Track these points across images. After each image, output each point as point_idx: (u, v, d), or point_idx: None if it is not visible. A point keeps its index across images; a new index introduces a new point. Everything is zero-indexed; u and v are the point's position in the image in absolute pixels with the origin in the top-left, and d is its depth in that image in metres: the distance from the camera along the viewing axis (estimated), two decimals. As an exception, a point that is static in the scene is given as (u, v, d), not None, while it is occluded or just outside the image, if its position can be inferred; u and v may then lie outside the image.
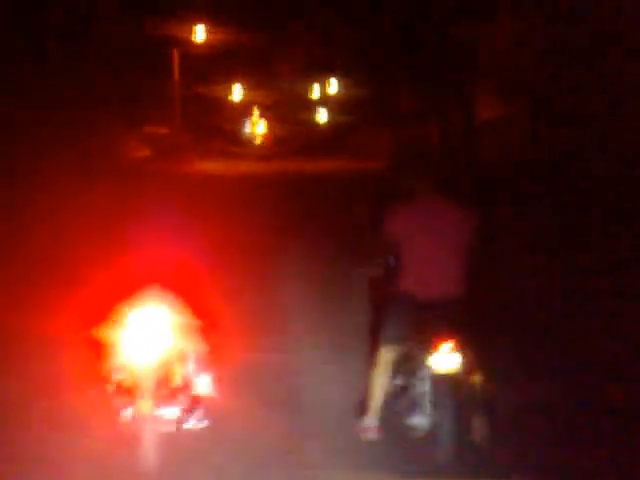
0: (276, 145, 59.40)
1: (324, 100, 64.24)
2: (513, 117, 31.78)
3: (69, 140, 29.25)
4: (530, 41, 28.96)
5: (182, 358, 5.73)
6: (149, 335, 5.41)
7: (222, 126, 57.06)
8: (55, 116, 29.45)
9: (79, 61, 32.99)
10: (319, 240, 15.04)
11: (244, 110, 64.24)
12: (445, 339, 5.51)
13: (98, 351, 5.66)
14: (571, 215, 15.75)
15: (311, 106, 65.69)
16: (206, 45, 46.42)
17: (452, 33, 35.48)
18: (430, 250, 5.86)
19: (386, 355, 5.97)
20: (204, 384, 5.91)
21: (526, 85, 29.08)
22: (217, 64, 50.24)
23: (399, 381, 6.04)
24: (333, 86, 60.82)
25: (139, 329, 5.42)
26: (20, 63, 28.72)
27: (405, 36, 38.84)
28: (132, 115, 36.90)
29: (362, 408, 6.11)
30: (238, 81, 58.70)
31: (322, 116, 65.90)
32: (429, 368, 5.56)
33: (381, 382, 5.97)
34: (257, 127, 65.58)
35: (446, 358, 5.48)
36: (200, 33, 44.71)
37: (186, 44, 43.54)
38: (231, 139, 57.20)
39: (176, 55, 40.27)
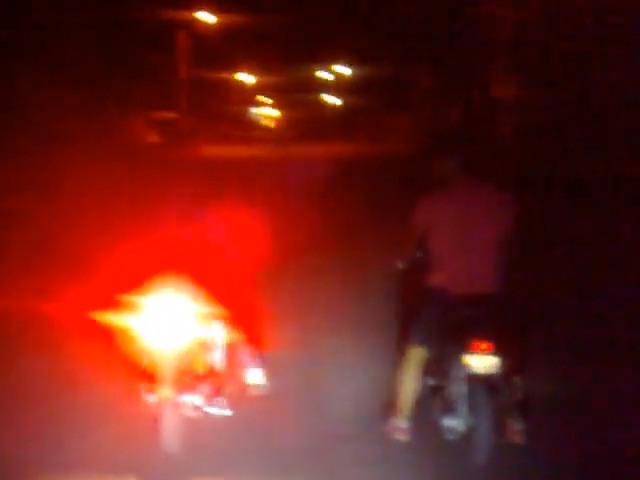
0: (287, 128, 58.62)
1: (337, 82, 63.30)
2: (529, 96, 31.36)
3: (79, 126, 28.54)
4: (547, 18, 28.87)
5: (206, 347, 5.65)
6: (170, 321, 5.27)
7: (231, 110, 56.23)
8: (64, 103, 28.77)
9: (87, 46, 32.20)
10: (345, 230, 14.34)
11: (253, 93, 63.52)
12: (482, 338, 5.09)
13: (121, 336, 5.67)
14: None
15: (323, 88, 64.78)
16: (214, 28, 45.36)
17: (469, 12, 35.29)
18: (464, 241, 5.35)
19: (416, 354, 5.52)
20: (255, 377, 6.07)
21: (541, 63, 29.15)
22: (225, 47, 49.40)
23: (431, 381, 5.64)
24: (346, 68, 59.74)
25: (161, 315, 5.28)
26: (30, 49, 28.08)
27: (422, 15, 38.68)
28: (140, 100, 36.10)
29: (390, 408, 5.67)
30: (247, 64, 57.79)
31: (335, 99, 65.03)
32: (465, 369, 5.14)
33: (410, 382, 5.54)
34: (267, 111, 64.72)
35: (483, 358, 5.07)
36: (207, 15, 43.46)
37: (193, 27, 42.51)
38: (241, 123, 56.40)
39: (183, 38, 39.12)
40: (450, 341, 5.29)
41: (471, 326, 5.16)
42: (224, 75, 54.86)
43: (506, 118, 33.99)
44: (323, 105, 65.79)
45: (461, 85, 39.01)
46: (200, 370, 5.58)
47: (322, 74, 64.04)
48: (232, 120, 54.66)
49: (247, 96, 62.70)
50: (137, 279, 5.36)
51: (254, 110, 63.72)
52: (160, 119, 35.62)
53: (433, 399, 5.60)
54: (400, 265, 5.73)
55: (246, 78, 61.29)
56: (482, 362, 5.04)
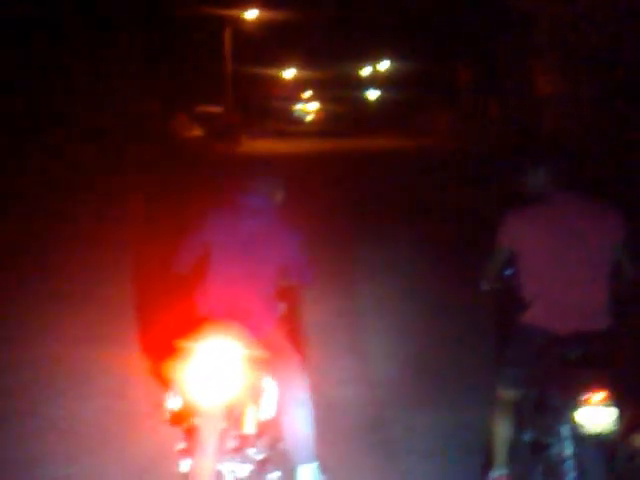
0: (328, 123, 57.80)
1: (375, 78, 62.28)
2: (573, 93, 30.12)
3: (123, 121, 27.95)
4: (591, 15, 27.70)
5: (255, 398, 4.22)
6: (214, 372, 3.86)
7: (274, 105, 55.46)
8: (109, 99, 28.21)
9: (134, 42, 31.63)
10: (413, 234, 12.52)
11: (296, 89, 62.78)
12: (596, 388, 3.83)
13: (164, 387, 4.23)
14: None
15: (363, 84, 63.82)
16: (259, 24, 44.47)
17: (512, 6, 34.06)
18: (569, 267, 4.11)
19: (504, 397, 4.42)
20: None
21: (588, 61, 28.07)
22: (270, 43, 48.62)
23: (529, 437, 4.36)
24: (384, 64, 58.70)
25: (203, 364, 3.87)
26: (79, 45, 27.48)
27: (464, 10, 37.83)
28: (185, 95, 35.45)
29: (489, 459, 4.59)
30: (290, 60, 57.03)
31: (374, 95, 63.96)
32: (574, 425, 3.86)
33: (502, 427, 4.46)
34: (309, 106, 63.88)
35: (598, 413, 3.82)
36: (253, 11, 42.56)
37: (238, 23, 41.65)
38: (283, 118, 55.67)
39: (228, 34, 38.26)
40: (554, 389, 4.07)
41: (581, 372, 3.94)
42: (268, 71, 54.13)
43: (549, 115, 32.72)
44: (365, 100, 64.67)
45: (501, 81, 37.89)
46: (249, 429, 4.18)
47: (364, 69, 63.11)
48: (276, 115, 53.96)
49: (290, 91, 61.89)
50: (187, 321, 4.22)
51: (297, 105, 62.80)
52: (205, 113, 34.86)
53: (532, 459, 4.36)
54: (485, 286, 4.54)
55: (290, 74, 60.60)
56: (597, 417, 3.85)
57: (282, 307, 4.54)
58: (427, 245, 11.47)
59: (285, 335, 4.44)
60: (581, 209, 4.14)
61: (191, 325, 4.09)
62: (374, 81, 63.26)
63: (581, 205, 4.15)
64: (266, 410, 4.29)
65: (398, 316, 7.90)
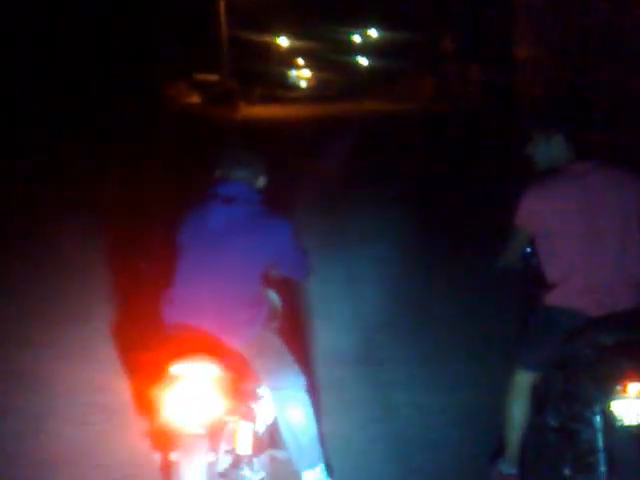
0: (321, 89, 57.17)
1: (365, 45, 61.53)
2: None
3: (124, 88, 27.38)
4: None
5: (247, 414, 3.56)
6: (190, 396, 3.18)
7: (269, 72, 54.76)
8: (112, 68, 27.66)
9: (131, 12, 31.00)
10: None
11: (290, 56, 62.03)
12: (633, 378, 3.35)
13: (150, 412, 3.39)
14: None
15: (353, 51, 63.06)
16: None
17: None
18: (595, 244, 3.60)
19: (521, 379, 3.87)
20: None
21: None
22: (263, 12, 47.78)
23: (555, 422, 3.85)
24: (373, 32, 57.96)
25: (178, 389, 3.19)
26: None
27: None
28: (182, 63, 34.86)
29: (499, 445, 4.05)
30: (283, 28, 56.21)
31: (363, 61, 63.22)
32: (608, 416, 3.41)
33: (517, 412, 3.89)
34: (303, 72, 63.13)
35: (635, 405, 3.35)
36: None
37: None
38: (278, 84, 55.00)
39: (223, 3, 37.45)
40: (586, 376, 3.59)
41: (618, 360, 3.44)
42: (263, 39, 53.32)
43: (529, 79, 32.32)
44: (355, 67, 63.95)
45: (483, 48, 37.43)
46: (243, 450, 3.54)
47: (354, 37, 62.40)
48: (271, 82, 53.35)
49: (284, 59, 61.13)
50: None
51: (292, 72, 62.05)
52: (202, 81, 34.29)
53: (557, 445, 3.88)
54: (500, 264, 3.98)
55: (284, 42, 59.83)
56: (634, 410, 3.38)
57: (274, 298, 3.97)
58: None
59: (277, 330, 3.85)
60: (602, 178, 3.63)
61: (161, 340, 3.48)
62: (364, 49, 62.55)
63: (601, 174, 3.65)
64: (263, 423, 3.77)
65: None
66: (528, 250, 3.89)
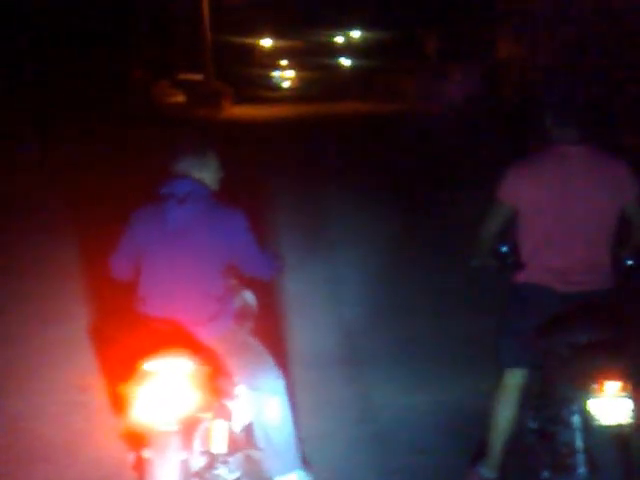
0: (305, 89, 56.98)
1: (348, 46, 61.51)
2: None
3: (106, 87, 27.01)
4: None
5: (222, 412, 3.46)
6: (162, 392, 3.08)
7: (253, 73, 54.57)
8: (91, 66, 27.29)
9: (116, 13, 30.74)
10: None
11: (273, 57, 61.90)
12: (609, 376, 3.22)
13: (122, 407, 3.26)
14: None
15: (336, 52, 62.99)
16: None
17: None
18: (569, 228, 3.58)
19: (510, 380, 3.76)
20: None
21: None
22: (246, 13, 47.67)
23: (533, 423, 3.77)
24: (356, 33, 57.97)
25: (150, 385, 3.10)
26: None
27: None
28: (166, 62, 34.61)
29: (480, 447, 3.95)
30: (267, 29, 56.11)
31: (347, 62, 63.16)
32: (586, 416, 3.27)
33: (502, 419, 3.77)
34: (286, 73, 62.95)
35: (612, 404, 3.20)
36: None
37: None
38: (262, 85, 54.82)
39: (206, 3, 37.21)
40: (561, 371, 3.44)
41: (594, 358, 3.32)
42: (246, 39, 53.16)
43: (511, 79, 32.38)
44: (338, 67, 63.84)
45: (465, 48, 37.43)
46: (218, 448, 3.45)
47: (336, 38, 62.40)
48: (255, 82, 53.20)
49: (268, 60, 60.99)
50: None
51: (275, 73, 61.86)
52: (186, 81, 34.05)
53: (536, 449, 3.75)
54: (476, 263, 3.86)
55: (267, 43, 59.71)
56: (611, 409, 3.25)
57: (249, 298, 3.90)
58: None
59: (252, 330, 3.78)
60: (590, 167, 3.59)
61: (135, 337, 3.39)
62: (347, 49, 62.55)
63: (591, 162, 3.60)
64: (239, 422, 3.65)
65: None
66: (504, 249, 3.75)
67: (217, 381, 3.40)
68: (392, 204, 11.06)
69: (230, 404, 3.58)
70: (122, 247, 3.66)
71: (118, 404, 3.32)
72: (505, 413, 3.78)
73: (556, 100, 3.62)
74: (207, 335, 3.49)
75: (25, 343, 5.93)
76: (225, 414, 3.51)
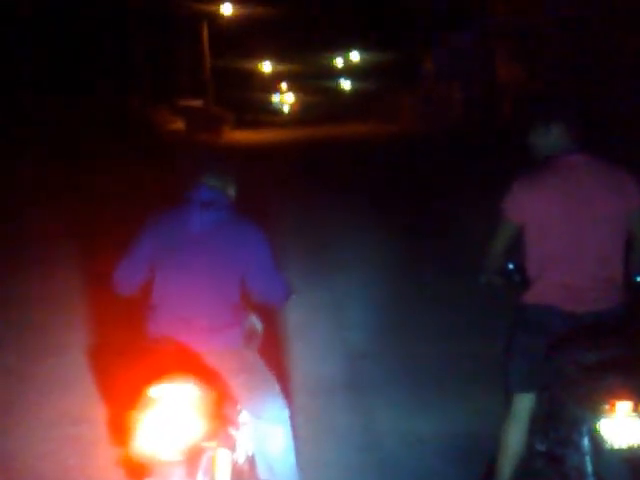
0: (305, 113, 57.27)
1: (347, 69, 61.77)
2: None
3: (105, 116, 27.02)
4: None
5: (227, 441, 3.32)
6: (167, 420, 2.94)
7: (253, 97, 54.82)
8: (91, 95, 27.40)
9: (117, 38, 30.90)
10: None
11: (273, 81, 62.18)
12: (620, 396, 3.05)
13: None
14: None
15: (336, 75, 63.33)
16: (236, 19, 43.71)
17: None
18: (577, 241, 3.43)
19: (518, 405, 3.61)
20: None
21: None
22: (245, 38, 47.95)
23: (541, 446, 3.60)
24: (355, 55, 58.21)
25: (154, 412, 2.96)
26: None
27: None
28: (165, 89, 34.74)
29: (488, 473, 3.80)
30: (266, 54, 56.40)
31: (346, 84, 63.45)
32: (596, 438, 3.11)
33: (512, 443, 3.62)
34: (286, 97, 63.26)
35: (623, 426, 3.04)
36: (230, 7, 41.76)
37: (215, 18, 40.84)
38: (262, 109, 55.06)
39: (206, 29, 37.50)
40: (570, 391, 3.31)
41: (603, 377, 3.16)
42: (246, 64, 53.42)
43: (509, 97, 32.43)
44: (338, 90, 64.19)
45: (464, 67, 37.56)
46: (221, 478, 3.30)
47: (336, 61, 62.72)
48: (255, 107, 53.41)
49: (267, 84, 61.28)
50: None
51: (275, 97, 62.16)
52: (186, 107, 34.14)
53: (545, 472, 3.60)
54: (483, 280, 3.73)
55: (267, 67, 60.03)
56: (623, 431, 3.08)
57: (255, 322, 3.79)
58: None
59: (257, 352, 3.67)
60: (594, 175, 3.47)
61: (138, 363, 3.25)
62: (346, 71, 62.83)
63: (594, 170, 3.49)
64: (243, 452, 3.53)
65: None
66: (510, 267, 3.65)
67: (222, 408, 3.27)
68: (392, 223, 11.01)
69: (235, 433, 3.46)
70: (132, 253, 3.57)
71: (120, 435, 3.17)
72: (515, 437, 3.65)
73: (553, 111, 3.56)
74: (219, 346, 3.42)
75: (26, 376, 5.83)
76: (229, 443, 3.39)
